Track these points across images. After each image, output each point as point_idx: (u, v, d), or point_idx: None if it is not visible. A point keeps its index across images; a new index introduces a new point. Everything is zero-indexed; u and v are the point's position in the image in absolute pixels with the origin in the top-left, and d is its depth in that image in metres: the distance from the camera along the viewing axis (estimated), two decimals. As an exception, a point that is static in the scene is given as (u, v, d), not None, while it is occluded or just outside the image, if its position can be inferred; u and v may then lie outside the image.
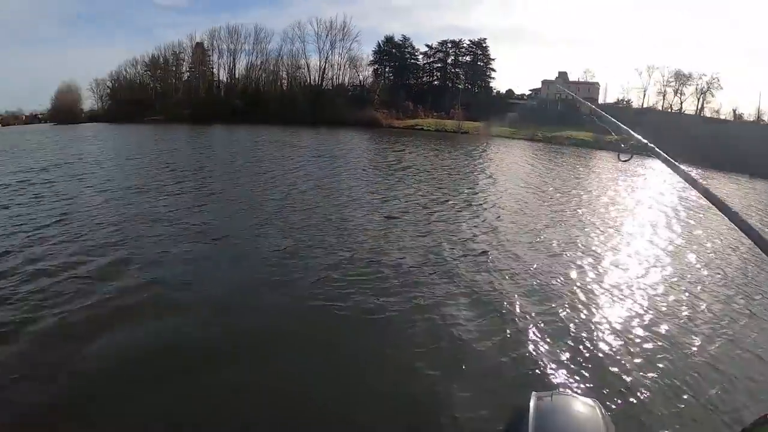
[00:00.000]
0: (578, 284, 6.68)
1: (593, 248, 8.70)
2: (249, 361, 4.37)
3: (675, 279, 7.29)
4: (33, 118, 74.89)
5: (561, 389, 3.74)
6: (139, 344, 4.64)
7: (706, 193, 0.64)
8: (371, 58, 60.25)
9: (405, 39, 60.45)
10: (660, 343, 5.01)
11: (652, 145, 1.28)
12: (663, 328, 5.39)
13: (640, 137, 1.41)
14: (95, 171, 17.04)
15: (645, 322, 5.53)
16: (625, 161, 1.47)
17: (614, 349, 4.84)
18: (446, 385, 4.05)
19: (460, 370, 4.30)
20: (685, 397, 4.04)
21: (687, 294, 6.64)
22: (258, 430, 3.56)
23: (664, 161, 1.04)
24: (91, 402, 3.77)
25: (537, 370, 4.36)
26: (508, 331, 5.11)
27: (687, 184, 1.14)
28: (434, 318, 5.33)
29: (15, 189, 12.90)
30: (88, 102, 66.52)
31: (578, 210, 12.65)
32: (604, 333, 5.22)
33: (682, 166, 0.91)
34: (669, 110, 61.65)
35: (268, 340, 4.82)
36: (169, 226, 9.04)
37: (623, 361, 4.60)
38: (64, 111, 62.97)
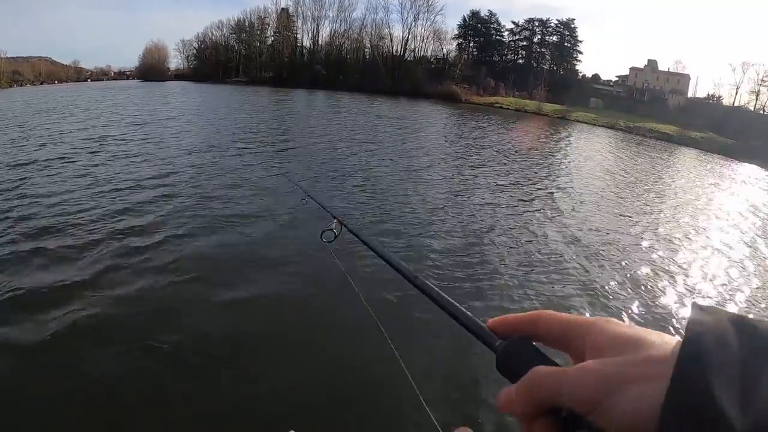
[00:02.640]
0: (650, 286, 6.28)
1: (674, 252, 8.02)
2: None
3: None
4: (121, 75, 79.47)
5: None
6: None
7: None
8: (456, 32, 59.38)
9: (491, 14, 58.99)
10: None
11: (354, 227, 1.10)
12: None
13: (341, 218, 1.22)
14: (180, 126, 17.75)
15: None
16: (330, 242, 1.22)
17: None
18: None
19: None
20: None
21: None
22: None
23: (363, 240, 0.95)
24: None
25: None
26: None
27: None
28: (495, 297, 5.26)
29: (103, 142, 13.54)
30: (175, 62, 69.75)
31: (651, 205, 11.72)
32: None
33: (383, 245, 0.78)
34: (762, 111, 57.19)
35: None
36: (237, 186, 9.13)
37: None
38: (152, 69, 66.20)
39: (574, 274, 6.25)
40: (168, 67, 68.02)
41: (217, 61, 59.64)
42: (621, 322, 0.31)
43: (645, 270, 6.74)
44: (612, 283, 6.11)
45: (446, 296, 0.45)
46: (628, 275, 6.44)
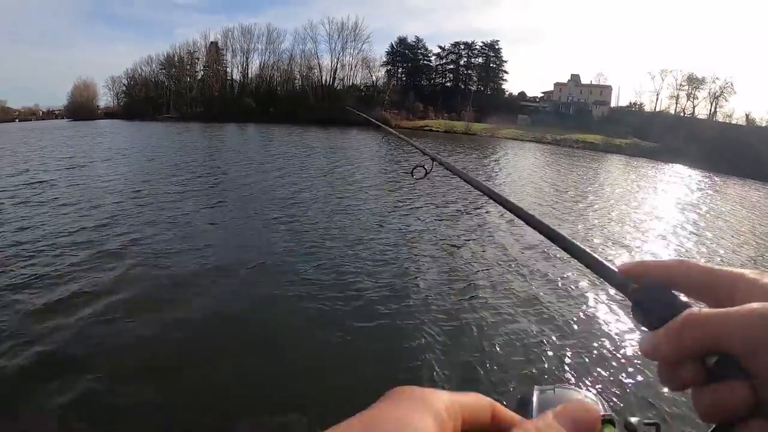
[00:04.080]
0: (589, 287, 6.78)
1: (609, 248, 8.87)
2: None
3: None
4: (49, 114, 76.52)
5: (563, 384, 3.75)
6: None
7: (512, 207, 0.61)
8: (384, 59, 60.79)
9: (418, 40, 60.89)
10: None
11: (446, 160, 1.17)
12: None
13: (432, 153, 1.29)
14: (111, 169, 16.96)
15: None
16: (420, 179, 1.31)
17: (619, 349, 4.98)
18: (454, 376, 4.29)
19: (465, 364, 4.48)
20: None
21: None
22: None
23: (459, 174, 0.98)
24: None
25: (541, 367, 4.50)
26: (513, 328, 5.26)
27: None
28: (445, 316, 5.47)
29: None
30: (104, 99, 67.95)
31: (586, 210, 12.88)
32: (607, 332, 5.37)
33: (481, 180, 0.78)
34: (681, 114, 61.04)
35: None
36: (174, 227, 9.11)
37: (627, 361, 4.74)
38: (81, 107, 64.24)
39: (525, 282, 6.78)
40: (98, 105, 66.18)
41: (147, 98, 58.56)
42: None
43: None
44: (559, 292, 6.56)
45: (569, 237, 0.43)
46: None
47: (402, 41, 59.69)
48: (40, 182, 13.64)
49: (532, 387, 1.72)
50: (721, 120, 57.91)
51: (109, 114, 62.98)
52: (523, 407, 1.67)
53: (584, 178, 21.81)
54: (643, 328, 0.32)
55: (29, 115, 76.84)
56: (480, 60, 59.87)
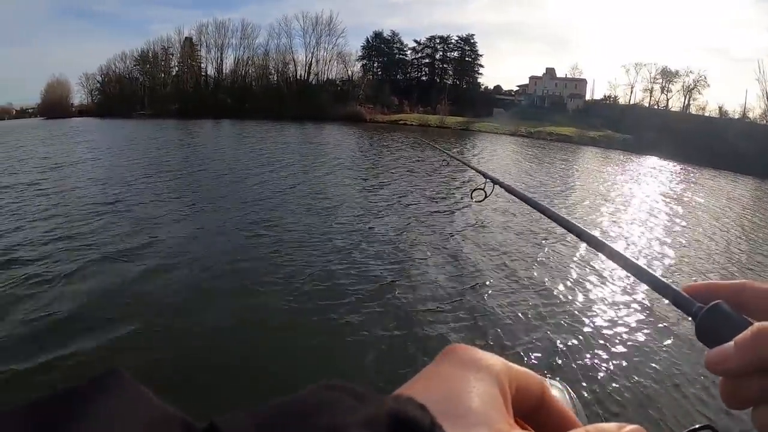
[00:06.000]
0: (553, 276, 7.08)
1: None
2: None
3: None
4: (23, 113, 75.19)
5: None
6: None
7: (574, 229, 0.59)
8: (360, 53, 60.90)
9: (394, 34, 61.07)
10: (629, 335, 5.39)
11: (507, 183, 1.14)
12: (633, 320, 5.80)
13: (493, 175, 1.25)
14: (88, 171, 16.58)
15: (619, 313, 5.93)
16: (480, 201, 1.29)
17: (585, 337, 5.19)
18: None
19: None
20: (651, 385, 4.42)
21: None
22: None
23: (518, 195, 0.96)
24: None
25: (509, 354, 4.56)
26: (482, 317, 5.49)
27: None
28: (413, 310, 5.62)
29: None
30: (78, 97, 66.92)
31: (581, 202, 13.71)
32: (577, 321, 5.60)
33: (537, 199, 0.80)
34: (655, 107, 61.88)
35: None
36: (156, 231, 8.94)
37: (593, 349, 4.94)
38: (54, 106, 63.21)
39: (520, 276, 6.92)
40: (72, 103, 65.27)
41: (122, 95, 57.96)
42: None
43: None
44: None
45: (632, 258, 0.43)
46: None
47: (377, 35, 60.05)
48: (17, 185, 13.28)
49: None
50: (694, 112, 58.72)
51: (82, 112, 62.07)
52: None
53: (567, 170, 22.48)
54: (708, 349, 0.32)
55: (2, 114, 75.42)
56: (455, 54, 60.41)
